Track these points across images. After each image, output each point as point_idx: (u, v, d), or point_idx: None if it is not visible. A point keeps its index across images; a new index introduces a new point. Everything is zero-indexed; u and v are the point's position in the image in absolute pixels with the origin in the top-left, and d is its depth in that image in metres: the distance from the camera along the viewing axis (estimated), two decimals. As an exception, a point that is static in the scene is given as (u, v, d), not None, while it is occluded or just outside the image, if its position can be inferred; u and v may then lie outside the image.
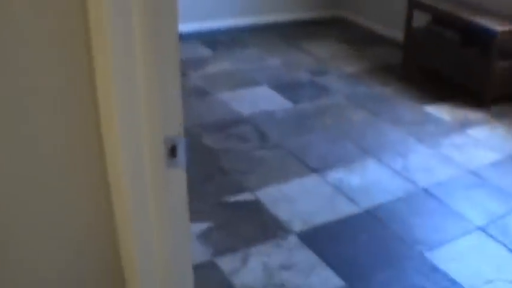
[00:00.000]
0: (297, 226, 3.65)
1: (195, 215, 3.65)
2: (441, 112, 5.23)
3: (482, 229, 3.70)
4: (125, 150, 1.50)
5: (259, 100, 5.25)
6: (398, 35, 6.66)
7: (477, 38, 5.45)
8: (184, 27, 6.47)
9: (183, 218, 1.71)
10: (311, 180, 4.13)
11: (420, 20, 6.10)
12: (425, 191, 4.09)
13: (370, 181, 4.15)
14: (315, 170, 4.23)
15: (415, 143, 4.68)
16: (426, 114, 5.18)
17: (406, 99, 5.44)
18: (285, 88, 5.55)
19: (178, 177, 1.61)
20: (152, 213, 1.63)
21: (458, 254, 3.49)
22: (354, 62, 6.27)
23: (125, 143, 1.49)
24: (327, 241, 3.55)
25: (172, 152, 1.54)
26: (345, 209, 3.85)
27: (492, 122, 5.10)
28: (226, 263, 3.35)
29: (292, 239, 3.54)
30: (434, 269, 3.35)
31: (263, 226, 3.65)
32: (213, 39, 6.75)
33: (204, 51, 6.39)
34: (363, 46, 6.83)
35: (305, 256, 3.42)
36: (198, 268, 3.20)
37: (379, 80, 5.83)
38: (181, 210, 1.69)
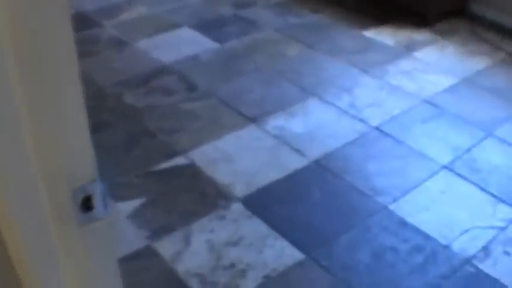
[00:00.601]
0: (240, 191, 3.15)
1: (123, 191, 3.14)
2: (383, 36, 4.74)
3: (449, 168, 3.26)
4: (20, 221, 0.98)
5: (182, 44, 4.69)
6: None
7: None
8: None
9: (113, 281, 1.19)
10: (249, 132, 3.62)
11: None
12: (378, 129, 3.62)
13: (315, 125, 3.66)
14: (252, 119, 3.71)
15: (359, 75, 4.19)
16: (367, 40, 4.69)
17: (343, 25, 4.93)
18: (208, 27, 4.98)
19: (100, 232, 1.09)
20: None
21: (426, 202, 3.05)
22: (280, -10, 5.69)
23: (17, 211, 0.96)
24: (275, 205, 3.06)
25: (87, 204, 1.02)
26: (291, 162, 3.35)
27: (440, 41, 4.65)
28: (165, 247, 2.85)
29: (236, 208, 3.04)
30: (403, 224, 2.91)
31: (202, 195, 3.14)
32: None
33: (117, -3, 5.74)
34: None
35: (253, 227, 2.94)
36: (133, 258, 2.75)
37: (309, 6, 5.29)
38: (109, 273, 1.16)
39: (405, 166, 3.28)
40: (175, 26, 5.04)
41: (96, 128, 3.66)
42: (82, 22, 5.08)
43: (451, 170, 3.23)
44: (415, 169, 3.25)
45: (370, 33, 4.79)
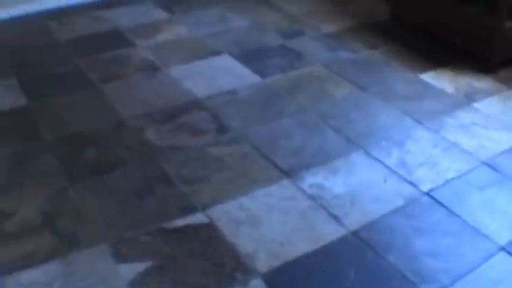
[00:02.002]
0: (263, 263, 2.63)
1: (128, 250, 2.66)
2: (441, 81, 4.21)
3: (507, 250, 2.68)
4: None
5: (219, 75, 4.22)
6: None
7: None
8: None
9: None
10: (281, 189, 3.11)
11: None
12: (430, 196, 3.08)
13: (358, 186, 3.13)
14: (286, 173, 3.20)
15: (412, 126, 3.66)
16: (424, 84, 4.16)
17: (399, 65, 4.41)
18: (251, 57, 4.50)
19: None
20: None
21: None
22: (332, 19, 5.22)
23: None
24: (301, 285, 2.51)
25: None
26: (326, 231, 2.83)
27: (503, 91, 4.10)
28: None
29: (256, 285, 2.51)
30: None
31: (218, 265, 2.64)
32: (170, -1, 5.68)
33: (158, 14, 5.34)
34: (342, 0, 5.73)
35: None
36: None
37: (364, 41, 4.79)
38: None
39: (458, 244, 2.74)
40: (215, 52, 4.59)
41: (110, 167, 3.25)
42: (115, 40, 4.70)
43: (510, 253, 2.68)
44: (469, 249, 2.72)
45: (428, 77, 4.27)
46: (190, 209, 2.97)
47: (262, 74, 4.23)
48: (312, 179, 3.15)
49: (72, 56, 4.57)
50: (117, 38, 4.81)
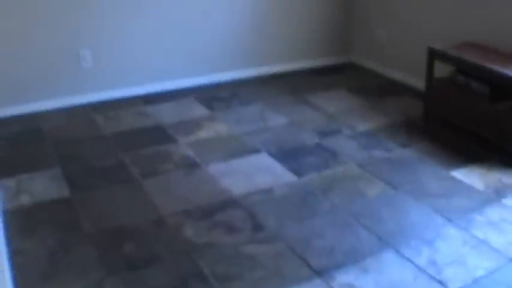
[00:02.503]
0: None
1: None
2: (472, 178, 4.27)
3: None
4: None
5: (256, 173, 4.32)
6: (419, 83, 5.87)
7: (510, 91, 4.56)
8: (180, 83, 5.91)
9: None
10: (312, 289, 3.15)
11: (444, 68, 5.26)
12: (459, 297, 3.08)
13: (388, 285, 3.20)
14: (318, 273, 3.26)
15: (442, 224, 3.71)
16: (454, 181, 4.22)
17: (430, 163, 4.48)
18: (288, 155, 4.62)
19: None
20: None
21: None
22: (368, 117, 5.33)
23: None
24: None
25: None
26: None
27: (532, 189, 4.11)
28: None
29: None
30: None
31: None
32: (212, 96, 5.89)
33: (199, 111, 5.51)
34: (379, 97, 5.92)
35: None
36: None
37: (397, 139, 4.88)
38: None
39: None
40: (252, 150, 4.72)
41: (147, 261, 3.36)
42: (158, 136, 4.85)
43: None
44: None
45: (459, 174, 4.33)
46: (223, 307, 3.02)
47: (298, 173, 4.32)
48: (343, 279, 3.21)
49: (116, 149, 4.73)
50: (159, 134, 4.97)
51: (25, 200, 4.01)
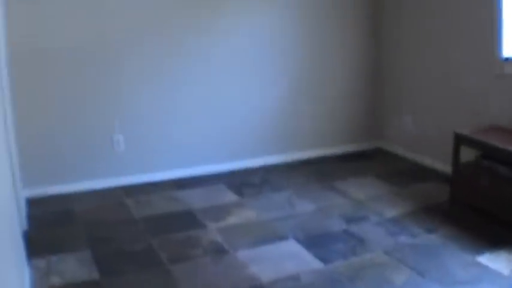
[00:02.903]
0: None
1: None
2: (498, 263, 4.24)
3: None
4: None
5: (284, 260, 4.35)
6: (445, 167, 5.90)
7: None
8: (211, 168, 6.04)
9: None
10: None
11: (470, 153, 5.28)
12: None
13: None
14: None
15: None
16: (481, 267, 4.20)
17: (456, 248, 4.48)
18: (315, 242, 4.64)
19: None
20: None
21: None
22: (395, 203, 5.35)
23: None
24: None
25: None
26: None
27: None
28: None
29: None
30: None
31: None
32: (241, 182, 5.97)
33: (229, 197, 5.58)
34: (406, 182, 5.95)
35: None
36: None
37: (424, 224, 4.89)
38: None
39: None
40: (280, 237, 4.74)
41: None
42: (187, 221, 4.92)
43: None
44: None
45: (485, 259, 4.30)
46: None
47: (325, 260, 4.33)
48: None
49: (145, 234, 4.78)
50: (189, 219, 5.02)
51: (55, 281, 4.05)
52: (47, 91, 5.40)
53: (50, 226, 4.88)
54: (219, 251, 4.49)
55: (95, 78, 5.57)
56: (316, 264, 4.30)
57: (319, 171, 6.26)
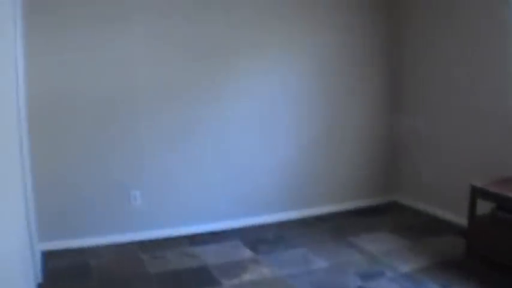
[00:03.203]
0: None
1: None
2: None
3: None
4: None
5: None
6: (460, 219, 5.92)
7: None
8: (226, 224, 6.06)
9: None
10: None
11: (485, 205, 5.24)
12: None
13: None
14: None
15: None
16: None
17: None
18: (330, 299, 4.56)
19: None
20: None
21: None
22: (410, 258, 5.32)
23: None
24: None
25: None
26: None
27: None
28: None
29: None
30: None
31: None
32: (256, 238, 5.96)
33: (243, 253, 5.56)
34: (421, 236, 5.93)
35: None
36: None
37: (439, 280, 4.85)
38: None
39: None
40: (295, 294, 4.66)
41: None
42: (202, 278, 4.91)
43: None
44: None
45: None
46: None
47: (341, 317, 4.29)
48: None
49: (160, 290, 4.76)
50: (204, 275, 4.99)
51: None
52: (66, 143, 5.46)
53: (65, 280, 4.87)
54: (232, 309, 4.45)
55: (115, 132, 5.63)
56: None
57: (335, 227, 6.25)
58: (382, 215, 6.73)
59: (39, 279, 4.71)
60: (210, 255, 5.45)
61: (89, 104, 5.47)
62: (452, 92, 6.17)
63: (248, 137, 6.24)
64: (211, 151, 6.04)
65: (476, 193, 5.13)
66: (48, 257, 5.30)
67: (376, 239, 5.83)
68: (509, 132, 5.44)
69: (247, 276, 4.99)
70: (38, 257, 4.87)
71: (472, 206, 5.19)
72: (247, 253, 5.54)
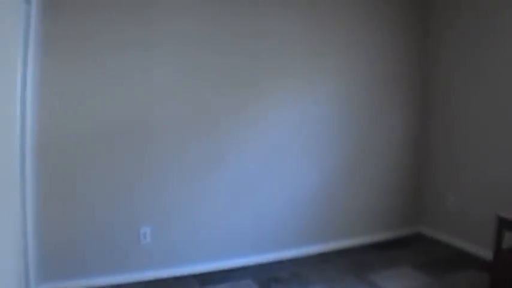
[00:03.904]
0: None
1: None
2: None
3: None
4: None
5: None
6: (486, 253, 5.60)
7: None
8: (238, 262, 5.72)
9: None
10: None
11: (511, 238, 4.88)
12: None
13: None
14: None
15: None
16: None
17: None
18: None
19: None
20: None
21: None
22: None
23: None
24: None
25: None
26: None
27: None
28: None
29: None
30: None
31: None
32: (269, 276, 5.60)
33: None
34: (444, 272, 5.56)
35: None
36: None
37: None
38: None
39: None
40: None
41: None
42: None
43: None
44: None
45: None
46: None
47: None
48: None
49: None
50: None
51: None
52: (72, 178, 5.14)
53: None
54: None
55: (126, 167, 5.33)
56: None
57: (353, 263, 5.88)
58: (404, 248, 6.38)
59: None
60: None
61: (98, 137, 5.18)
62: (482, 120, 5.92)
63: (261, 170, 5.93)
64: (225, 186, 5.72)
65: (504, 225, 4.79)
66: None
67: (397, 276, 5.47)
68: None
69: None
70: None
71: (498, 238, 4.83)
72: (258, 293, 5.18)
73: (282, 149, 6.00)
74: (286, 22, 5.90)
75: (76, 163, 5.09)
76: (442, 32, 6.49)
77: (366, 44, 6.39)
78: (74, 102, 5.01)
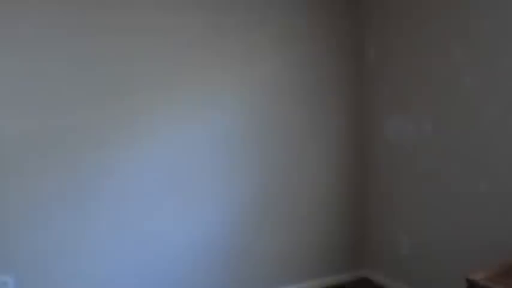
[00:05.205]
0: None
1: None
2: None
3: None
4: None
5: None
6: None
7: None
8: None
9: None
10: None
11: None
12: None
13: None
14: None
15: None
16: None
17: None
18: None
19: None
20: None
21: None
22: None
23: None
24: None
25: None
26: None
27: None
28: None
29: None
30: None
31: None
32: None
33: None
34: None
35: None
36: None
37: None
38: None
39: None
40: None
41: None
42: None
43: None
44: None
45: None
46: None
47: None
48: None
49: None
50: None
51: None
52: None
53: None
54: None
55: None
56: None
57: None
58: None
59: None
60: None
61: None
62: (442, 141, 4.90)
63: (150, 206, 4.66)
64: (101, 228, 4.48)
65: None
66: None
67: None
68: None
69: None
70: None
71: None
72: None
73: (175, 176, 4.77)
74: (182, 17, 4.73)
75: None
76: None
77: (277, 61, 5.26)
78: None
